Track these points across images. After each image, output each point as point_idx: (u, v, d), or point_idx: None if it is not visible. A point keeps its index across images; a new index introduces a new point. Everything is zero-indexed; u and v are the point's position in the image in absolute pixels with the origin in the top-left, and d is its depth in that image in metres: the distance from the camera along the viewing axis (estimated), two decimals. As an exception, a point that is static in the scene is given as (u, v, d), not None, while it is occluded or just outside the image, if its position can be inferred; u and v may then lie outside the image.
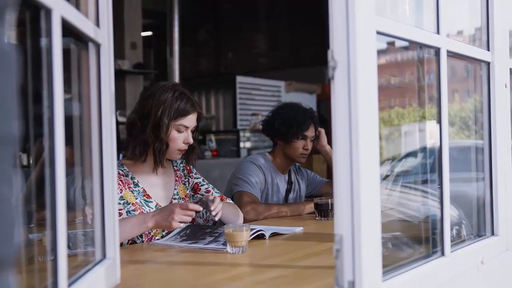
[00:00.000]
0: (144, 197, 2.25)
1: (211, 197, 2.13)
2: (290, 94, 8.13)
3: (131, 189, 2.22)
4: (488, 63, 1.78)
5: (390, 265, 1.30)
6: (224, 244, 1.89)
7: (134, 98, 7.31)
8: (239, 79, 8.04)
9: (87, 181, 1.39)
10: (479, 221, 1.83)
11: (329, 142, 3.10)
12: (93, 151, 1.34)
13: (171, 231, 2.14)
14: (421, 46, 1.56)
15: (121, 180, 2.20)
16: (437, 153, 1.52)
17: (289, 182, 3.09)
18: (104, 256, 1.35)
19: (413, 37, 1.43)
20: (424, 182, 1.90)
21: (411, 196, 2.00)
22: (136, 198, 2.22)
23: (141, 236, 2.16)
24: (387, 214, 1.61)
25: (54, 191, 0.97)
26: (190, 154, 2.38)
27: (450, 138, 1.54)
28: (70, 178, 1.18)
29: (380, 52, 1.24)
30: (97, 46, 1.32)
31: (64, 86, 1.02)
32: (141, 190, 2.25)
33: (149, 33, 10.01)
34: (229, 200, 2.53)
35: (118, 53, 7.28)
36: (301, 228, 2.36)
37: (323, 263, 1.73)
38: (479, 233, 1.81)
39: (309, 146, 2.96)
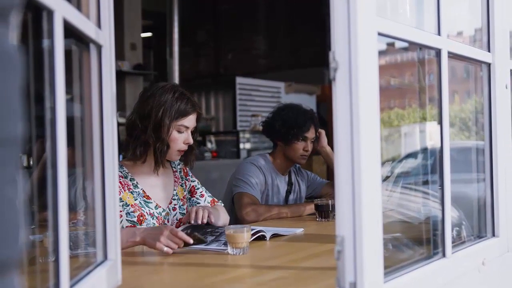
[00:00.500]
0: (144, 198, 2.25)
1: (199, 220, 2.14)
2: (289, 95, 8.13)
3: (130, 190, 2.22)
4: (488, 64, 1.79)
5: (391, 266, 1.30)
6: (225, 244, 1.89)
7: (133, 99, 7.31)
8: (239, 80, 8.03)
9: (88, 182, 1.39)
10: (480, 222, 1.84)
11: (329, 143, 3.10)
12: (95, 152, 1.34)
13: None
14: (422, 47, 1.57)
15: (120, 182, 2.20)
16: (438, 154, 1.52)
17: (289, 183, 3.09)
18: (105, 257, 1.35)
19: (414, 38, 1.44)
20: (425, 183, 1.90)
21: (411, 197, 2.00)
22: (136, 199, 2.22)
23: None
24: (388, 215, 1.61)
25: (56, 192, 0.97)
26: (189, 155, 2.37)
27: (450, 139, 1.54)
28: (71, 179, 1.18)
29: (380, 53, 1.24)
30: (99, 47, 1.32)
31: (65, 87, 1.02)
32: (141, 191, 2.25)
33: (148, 34, 10.02)
34: (219, 203, 2.53)
35: (118, 54, 7.27)
36: (302, 229, 2.36)
37: (324, 264, 1.73)
38: (480, 234, 1.81)
39: (310, 147, 2.96)
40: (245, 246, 1.86)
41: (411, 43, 1.49)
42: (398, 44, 1.54)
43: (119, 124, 4.61)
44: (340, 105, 1.16)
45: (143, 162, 2.27)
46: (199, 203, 2.42)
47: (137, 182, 2.26)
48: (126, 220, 2.17)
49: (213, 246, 1.95)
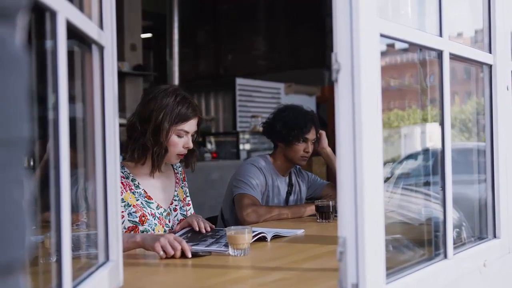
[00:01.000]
0: (145, 198, 2.25)
1: (202, 229, 2.16)
2: (289, 96, 8.12)
3: (132, 191, 2.23)
4: (490, 66, 1.79)
5: (393, 267, 1.30)
6: (226, 246, 1.89)
7: (133, 100, 7.31)
8: (239, 81, 8.03)
9: (90, 182, 1.39)
10: (481, 224, 1.84)
11: (329, 144, 3.10)
12: (96, 153, 1.34)
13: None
14: (424, 48, 1.57)
15: (122, 183, 2.20)
16: (440, 155, 1.52)
17: (290, 185, 3.09)
18: (107, 258, 1.35)
19: (416, 39, 1.44)
20: (425, 184, 1.90)
21: (412, 198, 2.00)
22: (137, 200, 2.22)
23: None
24: (388, 216, 1.61)
25: (59, 193, 0.97)
26: (190, 158, 2.37)
27: (451, 140, 1.54)
28: (72, 179, 1.18)
29: (380, 54, 1.24)
30: (101, 48, 1.32)
31: (67, 88, 1.02)
32: (142, 192, 2.26)
33: (148, 35, 10.02)
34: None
35: (118, 55, 7.20)
36: (303, 230, 2.36)
37: (325, 265, 1.73)
38: (481, 236, 1.81)
39: (310, 148, 2.96)
40: (246, 247, 1.86)
41: (413, 45, 1.49)
42: (398, 45, 1.54)
43: (119, 125, 4.62)
44: (342, 107, 1.16)
45: (143, 164, 2.27)
46: (183, 212, 2.41)
47: (138, 183, 2.26)
48: (128, 220, 2.17)
49: (214, 248, 1.95)
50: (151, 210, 2.24)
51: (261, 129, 3.18)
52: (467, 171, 1.99)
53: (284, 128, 2.93)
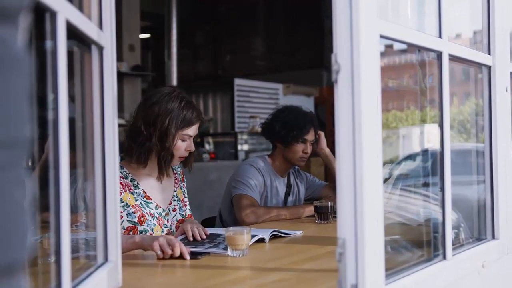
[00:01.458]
0: (145, 198, 2.25)
1: (198, 238, 2.13)
2: (288, 96, 8.13)
3: (131, 191, 2.22)
4: (489, 67, 1.79)
5: (393, 268, 1.30)
6: (225, 249, 1.89)
7: (131, 100, 7.30)
8: (237, 81, 8.03)
9: (88, 183, 1.39)
10: (480, 225, 1.84)
11: (327, 145, 3.10)
12: (96, 153, 1.34)
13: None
14: (423, 49, 1.57)
15: (121, 183, 2.19)
16: (439, 156, 1.52)
17: (288, 185, 3.09)
18: (106, 259, 1.35)
19: (415, 40, 1.44)
20: (424, 185, 1.90)
21: (411, 199, 2.00)
22: (136, 200, 2.22)
23: None
24: (387, 217, 1.61)
25: (58, 194, 0.97)
26: (188, 158, 2.38)
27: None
28: (71, 179, 1.18)
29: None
30: (100, 48, 1.32)
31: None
32: (141, 192, 2.26)
33: (147, 35, 10.01)
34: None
35: (116, 55, 7.24)
36: (301, 231, 2.36)
37: (324, 266, 1.73)
38: (480, 237, 1.81)
39: (309, 149, 2.96)
40: (245, 248, 1.86)
41: (413, 46, 1.49)
42: (397, 46, 1.54)
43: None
44: (342, 107, 1.16)
45: (144, 167, 2.28)
46: (182, 212, 2.41)
47: (137, 183, 2.26)
48: (127, 220, 2.17)
49: (213, 250, 1.94)
50: (150, 210, 2.24)
51: (259, 129, 3.18)
52: (466, 172, 1.99)
53: (283, 129, 2.93)
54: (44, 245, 1.50)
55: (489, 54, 1.79)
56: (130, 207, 2.19)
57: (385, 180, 1.89)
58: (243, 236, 1.85)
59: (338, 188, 1.17)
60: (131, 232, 2.16)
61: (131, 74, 7.52)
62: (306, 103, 7.05)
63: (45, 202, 0.99)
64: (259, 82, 8.23)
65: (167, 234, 2.21)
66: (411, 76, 2.02)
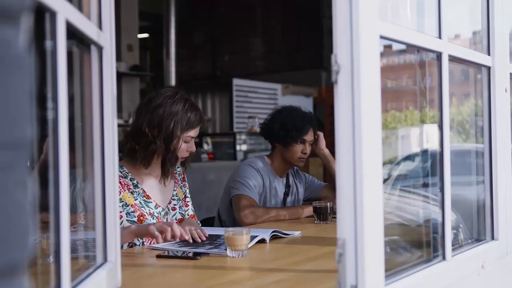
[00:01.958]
0: (144, 198, 2.26)
1: (197, 239, 2.11)
2: (286, 97, 8.12)
3: (130, 190, 2.23)
4: (488, 68, 1.79)
5: (392, 269, 1.30)
6: (225, 250, 1.88)
7: (130, 100, 7.29)
8: (236, 81, 8.02)
9: (88, 183, 1.39)
10: (479, 225, 1.84)
11: (326, 145, 3.10)
12: (95, 153, 1.34)
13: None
14: (423, 50, 1.57)
15: (120, 182, 2.20)
16: (438, 157, 1.52)
17: (287, 186, 3.09)
18: (105, 259, 1.35)
19: (415, 41, 1.44)
20: (423, 186, 1.90)
21: (410, 200, 2.00)
22: (136, 199, 2.22)
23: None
24: (386, 218, 1.61)
25: (58, 195, 0.97)
26: (187, 157, 2.38)
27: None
28: (70, 178, 1.17)
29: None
30: (100, 49, 1.32)
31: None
32: (141, 191, 2.26)
33: (145, 35, 10.00)
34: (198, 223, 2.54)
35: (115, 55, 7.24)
36: (299, 232, 2.36)
37: (324, 267, 1.73)
38: (479, 238, 1.81)
39: (308, 150, 2.96)
40: (244, 248, 1.86)
41: (413, 46, 1.49)
42: (395, 47, 1.54)
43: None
44: (341, 108, 1.16)
45: (146, 168, 2.28)
46: (182, 212, 2.41)
47: (137, 182, 2.27)
48: (126, 220, 2.17)
49: (214, 250, 1.94)
50: (149, 210, 2.24)
51: (258, 130, 3.18)
52: (464, 173, 1.99)
53: (282, 130, 2.92)
54: (43, 245, 1.50)
55: (489, 55, 1.79)
56: (129, 206, 2.19)
57: (384, 181, 1.89)
58: (243, 237, 1.85)
59: (338, 189, 1.17)
60: None
61: (130, 74, 7.51)
62: (305, 104, 7.05)
63: (43, 202, 0.99)
64: (257, 82, 8.22)
65: None
66: (410, 77, 2.02)
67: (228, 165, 6.25)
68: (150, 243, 2.19)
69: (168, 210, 2.34)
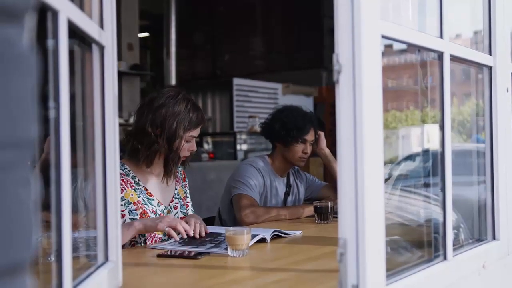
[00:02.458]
0: (147, 195, 2.26)
1: (197, 235, 2.14)
2: (287, 96, 8.12)
3: (133, 188, 2.23)
4: (490, 68, 1.79)
5: (393, 269, 1.30)
6: (226, 249, 1.89)
7: (130, 99, 7.29)
8: (236, 81, 8.02)
9: (89, 182, 1.39)
10: (480, 226, 1.84)
11: (326, 145, 3.10)
12: (96, 152, 1.33)
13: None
14: (425, 50, 1.57)
15: (122, 180, 2.20)
16: (440, 157, 1.52)
17: (288, 185, 3.09)
18: (106, 258, 1.35)
19: (416, 41, 1.44)
20: (424, 185, 1.90)
21: (411, 200, 2.00)
22: (139, 196, 2.23)
23: (143, 235, 2.17)
24: (387, 218, 1.61)
25: (59, 194, 0.97)
26: (187, 156, 2.39)
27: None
28: (71, 177, 1.17)
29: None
30: (101, 48, 1.32)
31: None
32: (143, 189, 2.27)
33: (146, 34, 10.00)
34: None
35: (115, 54, 7.23)
36: (300, 231, 2.36)
37: (325, 266, 1.73)
38: (480, 238, 1.81)
39: (309, 150, 2.96)
40: (245, 248, 1.86)
41: (414, 46, 1.49)
42: (396, 46, 1.54)
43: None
44: (343, 107, 1.16)
45: (148, 167, 2.29)
46: (183, 211, 2.42)
47: (139, 180, 2.27)
48: (129, 218, 2.18)
49: (214, 250, 1.94)
50: (152, 207, 2.25)
51: (258, 129, 3.18)
52: (465, 173, 1.99)
53: (282, 129, 2.92)
54: (44, 244, 1.50)
55: (490, 54, 1.79)
56: (132, 204, 2.20)
57: (385, 181, 1.89)
58: (243, 236, 1.85)
59: (339, 188, 1.16)
60: None
61: (130, 73, 7.51)
62: (305, 103, 7.05)
63: (44, 201, 0.99)
64: (258, 82, 8.22)
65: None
66: (411, 76, 2.01)
67: (228, 164, 6.25)
68: (151, 242, 2.20)
69: (170, 208, 2.35)
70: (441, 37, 1.50)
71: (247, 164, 2.97)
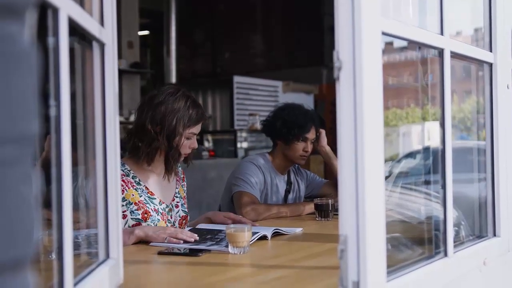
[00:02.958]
0: (148, 194, 2.26)
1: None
2: (287, 94, 8.12)
3: (134, 188, 2.23)
4: (490, 64, 1.79)
5: (394, 265, 1.30)
6: (226, 247, 1.89)
7: (130, 97, 7.29)
8: (236, 79, 8.02)
9: (90, 180, 1.39)
10: (481, 222, 1.84)
11: (328, 143, 3.10)
12: (97, 150, 1.34)
13: None
14: (425, 47, 1.57)
15: (123, 180, 2.20)
16: (440, 154, 1.52)
17: (289, 183, 3.09)
18: (107, 256, 1.35)
19: (417, 38, 1.44)
20: (424, 183, 1.90)
21: (411, 197, 2.00)
22: (140, 196, 2.23)
23: None
24: (388, 215, 1.61)
25: (60, 191, 0.97)
26: (189, 154, 2.39)
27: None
28: (72, 175, 1.17)
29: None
30: (102, 45, 1.32)
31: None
32: (144, 188, 2.27)
33: (146, 32, 10.00)
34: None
35: (115, 53, 7.23)
36: (301, 229, 2.36)
37: (325, 263, 1.73)
38: (481, 234, 1.81)
39: (309, 148, 2.96)
40: (246, 245, 1.86)
41: (414, 43, 1.49)
42: (396, 44, 1.54)
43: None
44: (343, 104, 1.16)
45: (148, 165, 2.29)
46: (184, 209, 2.42)
47: (139, 179, 2.27)
48: (131, 218, 2.18)
49: (215, 247, 1.94)
50: (154, 206, 2.25)
51: (259, 127, 3.18)
52: (465, 170, 1.99)
53: (284, 127, 2.92)
54: (44, 242, 1.50)
55: (491, 51, 1.79)
56: (133, 204, 2.20)
57: (385, 178, 1.89)
58: (244, 234, 1.85)
59: (339, 185, 1.17)
60: None
61: (130, 71, 7.51)
62: (306, 101, 7.06)
63: (45, 199, 0.99)
64: (258, 80, 8.22)
65: None
66: (411, 74, 2.01)
67: (229, 162, 6.25)
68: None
69: (172, 207, 2.35)
70: (442, 33, 1.50)
71: (248, 161, 2.97)
